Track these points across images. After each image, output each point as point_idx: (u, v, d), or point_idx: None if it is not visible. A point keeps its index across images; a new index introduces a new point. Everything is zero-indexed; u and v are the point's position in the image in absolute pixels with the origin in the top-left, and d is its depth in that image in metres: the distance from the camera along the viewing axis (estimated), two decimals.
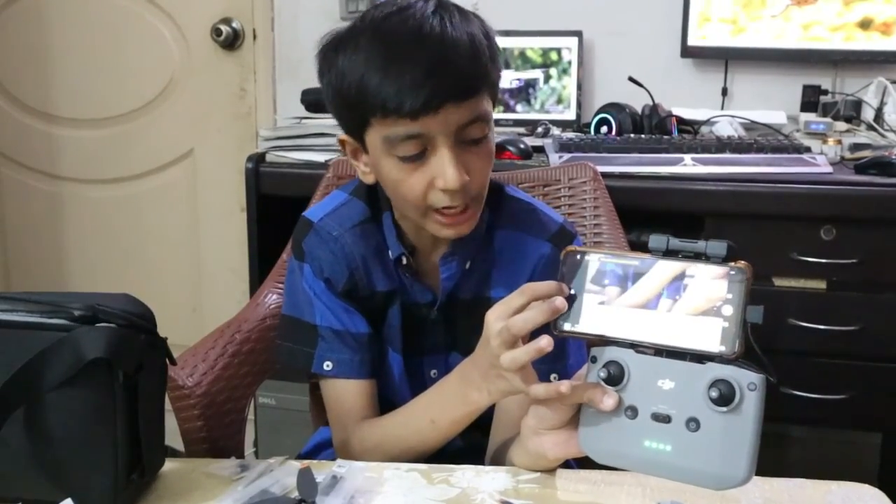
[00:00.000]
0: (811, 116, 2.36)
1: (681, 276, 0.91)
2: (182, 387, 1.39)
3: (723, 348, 0.88)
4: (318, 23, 2.78)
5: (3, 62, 2.99)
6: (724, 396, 0.88)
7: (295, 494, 1.04)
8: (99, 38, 2.91)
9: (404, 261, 1.31)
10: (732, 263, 0.90)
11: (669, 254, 0.93)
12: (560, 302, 0.99)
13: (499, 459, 1.26)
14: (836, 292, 1.97)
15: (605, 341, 0.96)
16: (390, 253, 1.32)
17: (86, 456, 1.02)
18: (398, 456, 1.23)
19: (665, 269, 0.93)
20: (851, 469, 1.18)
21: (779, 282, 1.99)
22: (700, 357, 0.90)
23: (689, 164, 2.03)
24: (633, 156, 2.06)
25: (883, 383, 1.99)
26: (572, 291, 0.98)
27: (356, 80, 1.15)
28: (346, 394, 1.34)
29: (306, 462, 1.12)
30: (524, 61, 2.56)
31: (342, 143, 1.28)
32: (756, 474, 1.00)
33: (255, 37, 2.82)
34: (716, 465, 0.90)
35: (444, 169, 1.16)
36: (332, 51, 1.21)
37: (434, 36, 1.15)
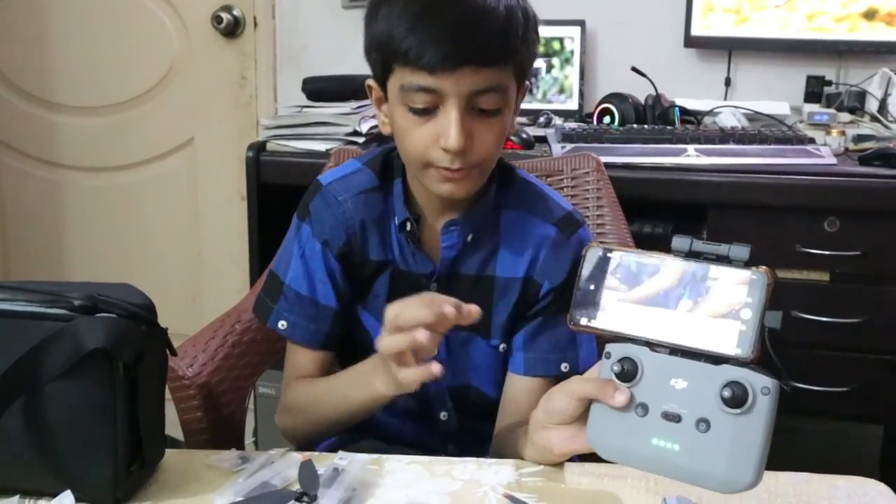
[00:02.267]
0: (815, 107, 2.35)
1: (702, 279, 0.91)
2: (182, 377, 1.39)
3: (739, 351, 0.87)
4: (320, 11, 2.77)
5: (3, 49, 2.98)
6: (737, 398, 0.88)
7: (296, 487, 1.03)
8: (99, 26, 2.90)
9: (408, 227, 1.32)
10: (754, 268, 0.89)
11: (692, 255, 0.92)
12: (449, 310, 1.04)
13: (503, 449, 1.26)
14: (839, 284, 1.97)
15: (621, 338, 0.95)
16: (396, 217, 1.33)
17: (85, 447, 1.02)
18: (316, 423, 1.34)
19: (686, 270, 0.92)
20: (853, 461, 1.18)
21: (782, 274, 1.98)
22: (715, 359, 0.89)
23: (692, 155, 2.02)
24: (636, 146, 2.06)
25: (886, 376, 1.99)
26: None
27: (388, 27, 1.18)
28: (297, 356, 1.38)
29: (307, 454, 1.11)
30: None
31: (369, 88, 1.30)
32: None
33: (255, 24, 2.80)
34: (723, 467, 0.89)
35: (448, 129, 1.17)
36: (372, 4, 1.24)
37: (477, 10, 1.17)
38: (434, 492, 1.09)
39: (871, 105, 2.34)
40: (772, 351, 0.90)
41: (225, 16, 2.77)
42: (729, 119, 2.31)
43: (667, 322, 0.92)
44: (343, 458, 1.14)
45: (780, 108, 2.39)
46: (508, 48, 1.19)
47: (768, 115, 2.34)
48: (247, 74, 2.84)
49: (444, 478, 1.12)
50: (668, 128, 2.19)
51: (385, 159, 1.36)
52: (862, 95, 2.36)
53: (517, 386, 1.35)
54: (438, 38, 1.15)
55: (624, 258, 0.96)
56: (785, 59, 2.48)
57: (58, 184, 3.05)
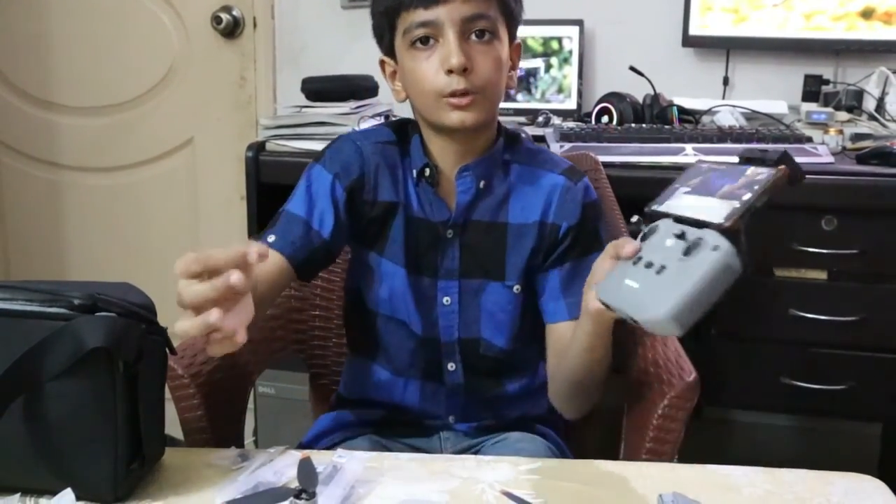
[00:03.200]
0: (812, 106, 2.35)
1: (741, 173, 1.03)
2: (182, 376, 1.39)
3: (719, 220, 0.96)
4: (319, 11, 2.77)
5: (3, 50, 2.98)
6: (688, 247, 0.97)
7: (295, 484, 1.04)
8: (99, 26, 2.90)
9: (427, 172, 1.43)
10: (773, 168, 1.02)
11: (749, 161, 1.06)
12: (234, 278, 0.92)
13: (561, 385, 1.41)
14: (836, 283, 1.97)
15: (667, 215, 1.07)
16: (413, 167, 1.44)
17: (86, 445, 1.03)
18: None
19: (735, 168, 1.05)
20: (851, 459, 1.18)
21: (779, 272, 1.98)
22: (702, 224, 0.98)
23: (690, 154, 2.02)
24: (634, 145, 2.06)
25: (883, 374, 1.98)
26: None
27: None
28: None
29: (306, 452, 1.11)
30: (525, 50, 2.54)
31: (382, 64, 1.46)
32: (758, 465, 0.99)
33: (255, 25, 2.81)
34: (650, 298, 0.98)
35: (449, 51, 1.32)
36: None
37: None
38: (433, 489, 1.09)
39: (869, 104, 2.34)
40: (746, 244, 0.97)
41: (224, 16, 2.77)
42: (727, 118, 2.31)
43: (700, 203, 1.03)
44: (342, 456, 1.15)
45: (778, 107, 2.39)
46: None
47: (766, 114, 2.34)
48: (246, 74, 2.84)
49: (443, 475, 1.13)
50: (666, 127, 2.20)
51: (401, 123, 1.50)
52: (859, 94, 2.35)
53: (563, 331, 1.42)
54: None
55: (699, 166, 1.14)
56: (783, 58, 2.49)
57: (58, 184, 3.05)
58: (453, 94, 1.33)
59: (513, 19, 1.41)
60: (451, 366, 1.46)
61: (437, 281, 1.45)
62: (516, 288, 1.45)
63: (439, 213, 1.44)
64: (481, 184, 1.43)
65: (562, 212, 1.44)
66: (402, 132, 1.48)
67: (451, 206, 1.44)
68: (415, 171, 1.44)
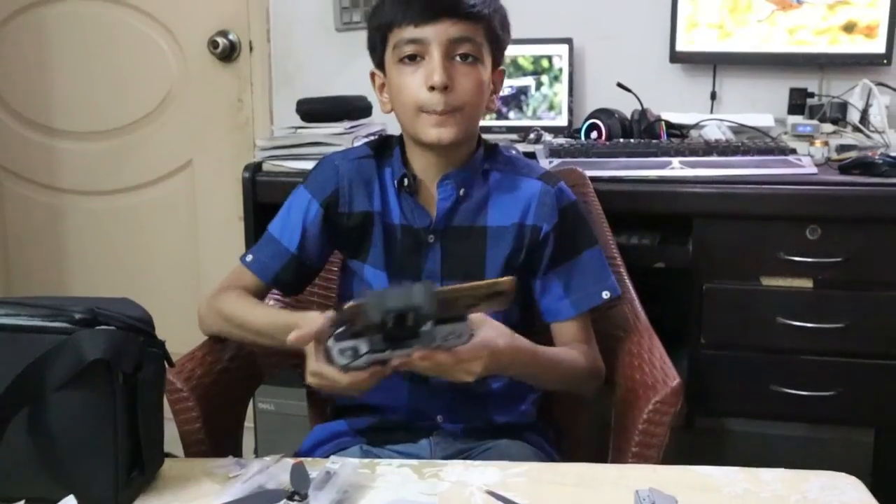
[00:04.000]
0: (798, 119, 2.39)
1: None
2: (181, 389, 1.43)
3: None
4: (313, 34, 2.82)
5: (4, 76, 3.02)
6: None
7: (289, 488, 1.07)
8: (98, 52, 2.94)
9: (406, 182, 1.51)
10: None
11: None
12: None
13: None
14: (822, 290, 2.00)
15: None
16: (394, 175, 1.53)
17: (87, 454, 1.06)
18: (231, 332, 1.53)
19: None
20: (845, 466, 1.21)
21: (766, 281, 2.02)
22: None
23: (676, 167, 2.06)
24: (622, 160, 2.10)
25: (869, 379, 2.01)
26: None
27: (383, 10, 1.46)
28: (244, 275, 1.57)
29: (299, 459, 1.16)
30: (516, 69, 2.60)
31: (372, 75, 1.54)
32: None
33: (251, 48, 2.85)
34: None
35: (432, 69, 1.41)
36: (376, 1, 1.50)
37: None
38: (422, 492, 1.13)
39: (853, 115, 2.38)
40: None
41: (221, 40, 2.82)
42: (714, 132, 2.35)
43: None
44: (335, 463, 1.18)
45: (764, 120, 2.43)
46: (478, 7, 1.44)
47: (753, 128, 2.38)
48: (243, 97, 2.89)
49: (433, 479, 1.17)
50: (654, 141, 2.24)
51: (382, 140, 1.60)
52: (844, 106, 2.39)
53: (567, 329, 1.54)
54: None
55: None
56: (768, 72, 2.53)
57: (59, 208, 3.09)
58: (433, 112, 1.42)
59: (498, 46, 1.50)
60: None
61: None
62: None
63: (421, 220, 1.52)
64: (461, 191, 1.52)
65: (540, 214, 1.53)
66: (382, 147, 1.58)
67: (432, 213, 1.52)
68: (395, 181, 1.52)
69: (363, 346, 1.16)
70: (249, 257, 1.57)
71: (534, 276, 1.56)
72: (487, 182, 1.54)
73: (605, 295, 1.54)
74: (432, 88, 1.41)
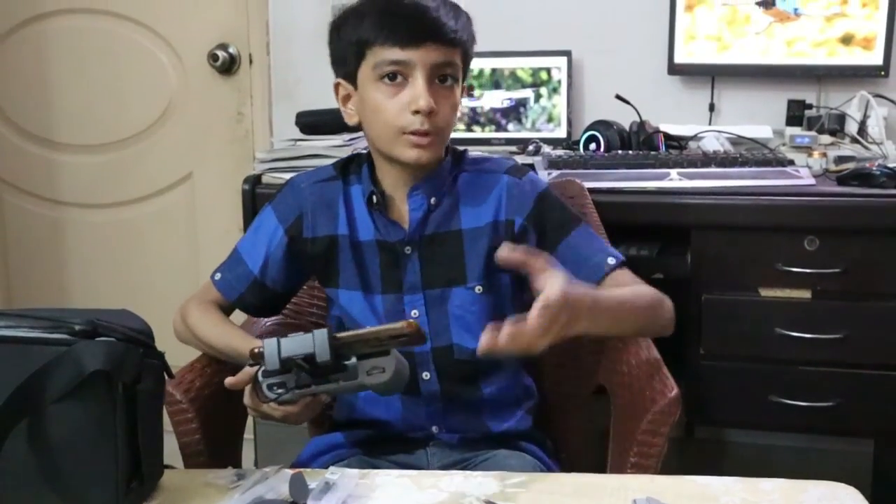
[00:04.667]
0: (796, 130, 2.40)
1: None
2: (180, 401, 1.43)
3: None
4: (312, 46, 2.81)
5: (5, 90, 3.04)
6: None
7: (288, 499, 1.08)
8: (98, 66, 2.96)
9: (374, 199, 1.51)
10: None
11: None
12: None
13: None
14: (820, 301, 2.00)
15: None
16: (362, 194, 1.53)
17: (87, 465, 1.07)
18: (196, 345, 1.56)
19: None
20: (845, 478, 1.22)
21: (764, 292, 2.02)
22: None
23: (675, 179, 2.07)
24: (621, 171, 2.11)
25: (868, 389, 2.02)
26: None
27: (358, 25, 1.44)
28: (213, 292, 1.60)
29: (298, 469, 1.16)
30: (515, 81, 2.61)
31: (336, 87, 1.54)
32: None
33: (251, 61, 2.87)
34: None
35: (418, 93, 1.41)
36: (341, 17, 1.51)
37: (430, 5, 1.44)
38: (422, 503, 1.14)
39: (851, 127, 2.39)
40: None
41: (221, 53, 2.83)
42: (712, 143, 2.36)
43: None
44: (334, 473, 1.19)
45: (762, 131, 2.44)
46: (460, 34, 1.46)
47: (751, 139, 2.39)
48: (243, 110, 2.90)
49: (432, 490, 1.17)
50: (652, 153, 2.24)
51: (348, 159, 1.60)
52: (842, 118, 2.40)
53: None
54: (406, 19, 1.42)
55: None
56: (766, 84, 2.54)
57: (59, 221, 3.10)
58: (415, 133, 1.43)
59: (468, 64, 1.53)
60: (425, 375, 1.51)
61: (402, 296, 1.52)
62: (478, 288, 1.52)
63: (394, 234, 1.52)
64: (432, 200, 1.52)
65: (512, 207, 1.53)
66: (348, 166, 1.58)
67: (405, 225, 1.52)
68: (365, 198, 1.53)
69: (290, 382, 1.20)
70: (218, 275, 1.59)
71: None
72: (456, 185, 1.55)
73: (612, 261, 1.51)
74: (416, 112, 1.41)
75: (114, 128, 2.99)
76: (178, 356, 1.37)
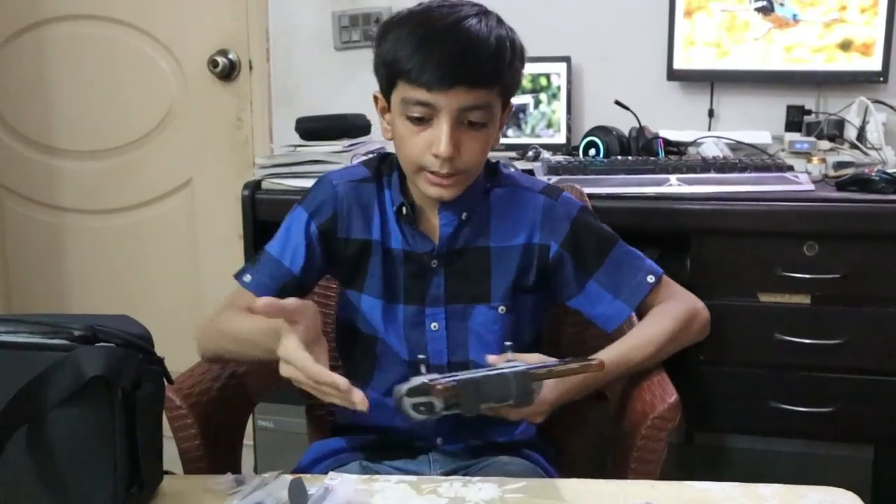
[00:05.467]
0: (795, 136, 2.40)
1: None
2: (180, 406, 1.43)
3: None
4: (312, 53, 2.84)
5: (5, 96, 3.04)
6: None
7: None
8: (98, 72, 2.96)
9: (404, 210, 1.50)
10: None
11: None
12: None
13: None
14: (820, 307, 2.00)
15: None
16: (392, 203, 1.51)
17: (86, 470, 1.07)
18: (227, 349, 1.47)
19: None
20: (845, 484, 1.22)
21: (764, 297, 2.02)
22: None
23: (674, 184, 2.07)
24: (620, 177, 2.11)
25: (867, 395, 2.01)
26: None
27: (395, 48, 1.39)
28: (242, 296, 1.50)
29: (298, 475, 1.16)
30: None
31: (376, 98, 1.50)
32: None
33: (251, 67, 2.87)
34: None
35: (439, 138, 1.37)
36: (387, 25, 1.45)
37: (466, 30, 1.37)
38: None
39: (850, 133, 2.39)
40: None
41: (221, 60, 2.84)
42: (712, 149, 2.36)
43: None
44: (333, 479, 1.19)
45: (761, 137, 2.44)
46: (496, 73, 1.39)
47: (750, 145, 2.39)
48: (243, 116, 2.90)
49: (431, 495, 1.17)
50: (651, 158, 2.25)
51: (381, 160, 1.57)
52: (841, 124, 2.40)
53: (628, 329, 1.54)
54: (437, 61, 1.35)
55: None
56: (765, 89, 2.54)
57: (59, 226, 3.10)
58: (435, 173, 1.40)
59: (512, 93, 1.47)
60: None
61: (424, 308, 1.51)
62: (501, 308, 1.51)
63: (422, 245, 1.50)
64: (463, 216, 1.50)
65: (547, 231, 1.52)
66: (380, 168, 1.55)
67: (433, 237, 1.51)
68: (394, 207, 1.51)
69: (438, 404, 1.22)
70: (248, 277, 1.53)
71: (556, 297, 1.57)
72: (488, 200, 1.53)
73: (650, 279, 1.53)
74: (436, 156, 1.38)
75: (114, 134, 3.00)
76: (178, 362, 1.37)
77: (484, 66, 1.37)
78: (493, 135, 1.45)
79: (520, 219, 1.52)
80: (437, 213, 1.50)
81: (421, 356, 1.40)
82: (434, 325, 1.51)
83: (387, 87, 1.44)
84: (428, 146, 1.38)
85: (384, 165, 1.56)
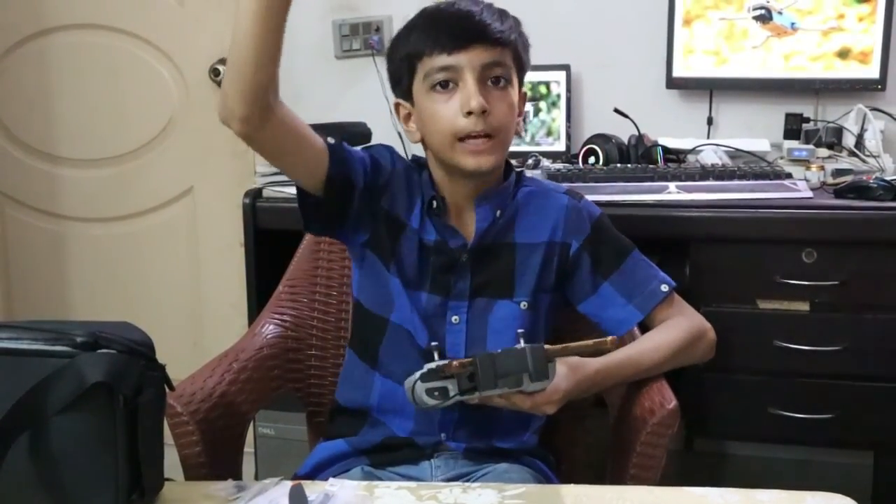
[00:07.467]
0: (794, 143, 2.41)
1: None
2: (181, 413, 1.44)
3: None
4: (313, 61, 2.84)
5: (7, 105, 3.05)
6: None
7: None
8: (100, 81, 2.97)
9: (434, 204, 1.54)
10: None
11: None
12: None
13: None
14: (818, 313, 2.01)
15: None
16: (424, 196, 1.55)
17: (87, 477, 1.07)
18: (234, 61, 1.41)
19: None
20: (844, 491, 1.22)
21: (763, 304, 2.03)
22: None
23: (673, 192, 2.08)
24: (619, 184, 2.12)
25: (867, 401, 2.02)
26: None
27: (409, 40, 1.49)
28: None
29: (298, 481, 1.17)
30: None
31: (397, 108, 1.57)
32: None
33: None
34: None
35: (468, 94, 1.44)
36: (395, 36, 1.55)
37: (474, 10, 1.48)
38: None
39: (849, 140, 2.39)
40: None
41: (222, 68, 2.84)
42: (711, 157, 2.37)
43: None
44: (334, 485, 1.19)
45: (760, 144, 2.45)
46: (507, 32, 1.48)
47: (749, 152, 2.40)
48: None
49: (431, 501, 1.18)
50: (651, 166, 2.25)
51: (415, 158, 1.63)
52: (839, 131, 2.41)
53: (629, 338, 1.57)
54: (449, 26, 1.46)
55: None
56: (764, 97, 2.55)
57: (61, 234, 3.11)
58: (471, 136, 1.45)
59: (522, 68, 1.55)
60: None
61: (448, 301, 1.54)
62: (523, 304, 1.55)
63: (454, 240, 1.54)
64: (498, 213, 1.55)
65: (569, 230, 1.57)
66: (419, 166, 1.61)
67: (465, 233, 1.55)
68: (425, 199, 1.55)
69: (452, 389, 1.25)
70: (333, 140, 1.50)
71: (572, 298, 1.60)
72: (516, 199, 1.59)
73: (664, 288, 1.57)
74: (469, 114, 1.44)
75: (115, 142, 3.01)
76: (179, 369, 1.38)
77: (494, 24, 1.46)
78: (514, 98, 1.51)
79: (545, 217, 1.58)
80: (475, 209, 1.54)
81: (435, 344, 1.43)
82: (455, 319, 1.54)
83: (408, 80, 1.51)
84: (459, 110, 1.45)
85: (417, 163, 1.61)
